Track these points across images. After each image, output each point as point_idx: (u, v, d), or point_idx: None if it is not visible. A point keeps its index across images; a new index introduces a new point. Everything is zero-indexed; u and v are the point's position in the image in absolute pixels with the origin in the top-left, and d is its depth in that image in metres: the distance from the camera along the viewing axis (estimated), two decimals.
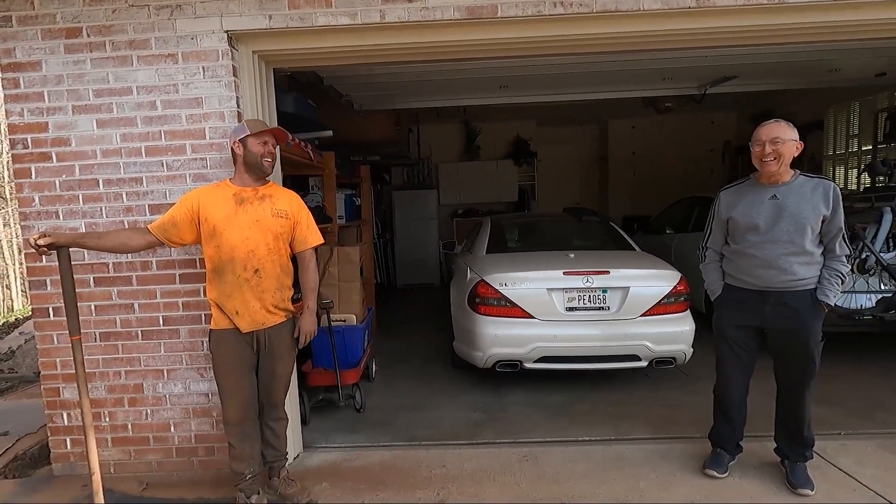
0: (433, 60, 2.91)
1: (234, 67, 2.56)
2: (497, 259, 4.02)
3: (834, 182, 2.29)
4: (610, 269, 3.52)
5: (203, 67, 2.54)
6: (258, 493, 2.38)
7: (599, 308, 3.52)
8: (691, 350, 3.57)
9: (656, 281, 3.56)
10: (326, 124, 4.58)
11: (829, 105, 7.13)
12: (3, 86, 2.61)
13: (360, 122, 5.45)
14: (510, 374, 3.65)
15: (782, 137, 2.20)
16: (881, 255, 3.60)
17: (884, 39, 2.85)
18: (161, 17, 2.53)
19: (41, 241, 1.98)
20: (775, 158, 2.22)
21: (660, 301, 3.51)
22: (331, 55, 2.72)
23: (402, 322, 6.25)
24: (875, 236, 3.57)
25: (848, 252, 2.28)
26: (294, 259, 2.43)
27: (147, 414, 2.73)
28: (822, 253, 2.31)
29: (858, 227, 3.62)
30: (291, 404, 2.86)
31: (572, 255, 3.89)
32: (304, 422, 3.19)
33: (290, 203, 2.38)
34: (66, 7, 2.52)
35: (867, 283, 3.68)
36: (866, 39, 2.76)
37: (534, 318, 3.51)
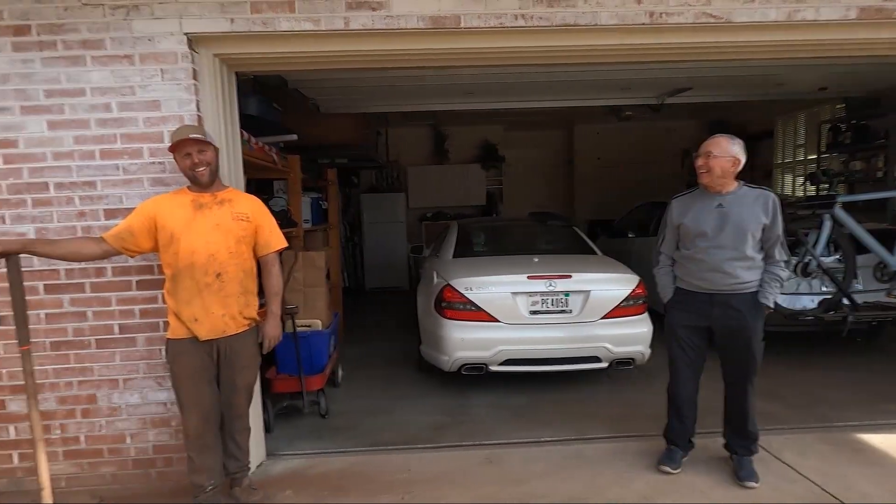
0: (398, 67, 2.94)
1: (193, 70, 2.52)
2: (463, 263, 4.07)
3: (774, 192, 2.43)
4: (572, 273, 3.62)
5: (161, 70, 2.49)
6: None
7: (562, 311, 3.62)
8: (649, 351, 3.70)
9: (616, 284, 3.68)
10: (292, 127, 4.53)
11: (778, 116, 7.51)
12: None
13: (326, 125, 5.41)
14: (476, 376, 3.70)
15: (714, 153, 2.35)
16: (822, 259, 3.83)
17: (824, 58, 3.06)
18: (116, 16, 2.47)
19: None
20: (707, 171, 2.37)
21: (619, 304, 3.64)
22: (294, 60, 2.71)
23: (370, 326, 6.23)
24: (816, 242, 3.79)
25: (786, 257, 2.44)
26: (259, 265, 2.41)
27: (101, 425, 2.64)
28: (763, 258, 2.45)
29: (801, 233, 3.84)
30: (255, 412, 2.82)
31: (536, 260, 3.99)
32: (267, 429, 3.15)
33: (251, 206, 2.36)
34: (14, 4, 2.43)
35: (810, 285, 3.91)
36: (808, 57, 2.94)
37: (499, 321, 3.58)
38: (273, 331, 2.38)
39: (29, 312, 2.47)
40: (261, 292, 2.43)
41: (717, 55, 2.79)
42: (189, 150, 2.18)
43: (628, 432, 3.15)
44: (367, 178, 9.40)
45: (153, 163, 2.52)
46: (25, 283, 2.33)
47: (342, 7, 2.50)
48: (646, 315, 3.76)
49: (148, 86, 2.50)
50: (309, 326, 3.58)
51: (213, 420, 2.30)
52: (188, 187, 2.30)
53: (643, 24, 2.55)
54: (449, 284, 3.66)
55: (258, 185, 4.44)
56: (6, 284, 2.16)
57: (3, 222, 2.52)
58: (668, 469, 2.64)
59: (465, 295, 3.59)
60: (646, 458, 2.79)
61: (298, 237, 4.13)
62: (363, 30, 2.53)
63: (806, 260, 3.81)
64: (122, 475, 2.67)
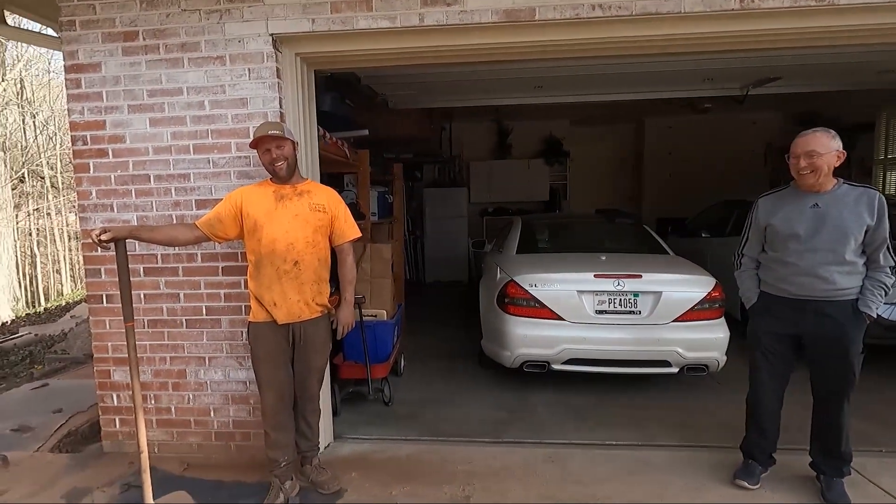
0: (471, 63, 2.95)
1: (277, 69, 2.66)
2: (527, 259, 4.03)
3: (881, 191, 2.21)
4: (642, 273, 3.49)
5: (249, 69, 2.65)
6: (291, 480, 2.48)
7: (630, 312, 3.50)
8: (725, 358, 3.50)
9: (690, 286, 3.50)
10: (361, 122, 4.68)
11: (882, 106, 6.78)
12: (66, 86, 2.79)
13: (393, 120, 5.54)
14: (537, 374, 3.66)
15: (818, 150, 2.15)
16: None
17: None
18: (211, 20, 2.65)
19: (103, 238, 2.11)
20: (812, 171, 2.18)
21: (693, 307, 3.46)
22: (370, 57, 2.79)
23: (430, 319, 6.32)
24: None
25: (893, 263, 2.21)
26: (333, 254, 2.52)
27: (189, 398, 2.88)
28: (865, 263, 2.24)
29: None
30: (324, 395, 2.95)
31: (604, 258, 3.87)
32: (334, 413, 3.29)
33: (328, 198, 2.47)
34: (124, 12, 2.67)
35: None
36: None
37: (563, 319, 3.52)
38: (346, 318, 2.49)
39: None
40: (333, 281, 2.54)
41: (815, 41, 2.56)
42: (268, 145, 2.30)
43: (700, 442, 3.00)
44: (429, 173, 9.51)
45: (239, 157, 2.69)
46: (129, 266, 2.60)
47: (417, 4, 2.54)
48: (722, 320, 3.55)
49: (237, 84, 2.67)
50: (375, 316, 3.70)
51: (288, 400, 2.44)
52: (270, 179, 2.43)
53: (732, 9, 2.39)
54: (513, 280, 3.64)
55: (330, 178, 4.62)
56: (113, 266, 2.41)
57: (112, 210, 2.79)
58: (745, 484, 2.48)
59: (530, 291, 3.55)
60: (720, 471, 2.65)
61: (366, 230, 4.26)
62: (437, 26, 2.56)
63: None
64: (206, 445, 2.90)
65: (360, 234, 2.56)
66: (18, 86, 13.95)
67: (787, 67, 4.18)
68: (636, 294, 3.48)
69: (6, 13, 3.14)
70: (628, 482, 2.59)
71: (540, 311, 3.54)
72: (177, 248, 2.73)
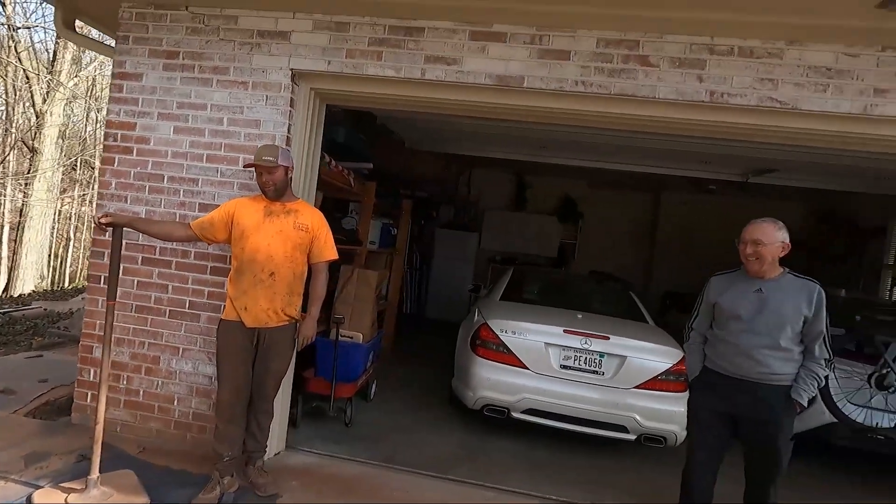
0: (466, 116, 3.22)
1: (291, 99, 2.98)
2: (507, 306, 4.16)
3: (819, 284, 2.31)
4: (610, 336, 3.57)
5: (267, 96, 2.98)
6: (231, 476, 2.60)
7: (594, 371, 3.56)
8: (685, 433, 3.48)
9: (656, 355, 3.56)
10: (381, 158, 5.00)
11: (893, 212, 6.80)
12: (110, 89, 3.17)
13: (410, 159, 5.86)
14: (502, 421, 3.70)
15: (763, 240, 2.29)
16: None
17: None
18: (242, 51, 3.01)
19: (103, 220, 2.39)
20: (757, 258, 2.31)
21: (657, 376, 3.51)
22: (377, 99, 3.09)
23: (419, 352, 6.41)
24: None
25: (828, 356, 2.27)
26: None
27: (158, 384, 3.07)
28: (802, 352, 2.31)
29: (880, 341, 3.47)
30: (283, 403, 3.10)
31: (580, 316, 3.97)
32: (294, 424, 3.41)
33: (313, 219, 2.70)
34: (171, 34, 3.06)
35: (885, 400, 3.48)
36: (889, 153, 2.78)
37: (528, 369, 3.60)
38: (307, 331, 2.66)
39: (125, 278, 3.00)
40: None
41: (783, 139, 2.74)
42: (260, 170, 2.58)
43: None
44: (446, 213, 9.80)
45: (244, 171, 2.98)
46: (130, 254, 2.87)
47: (421, 60, 2.84)
48: (686, 394, 3.56)
49: (254, 108, 3.00)
50: (351, 338, 3.86)
51: (244, 396, 2.60)
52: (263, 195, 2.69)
53: (703, 101, 2.61)
54: (486, 323, 3.77)
55: (336, 203, 4.91)
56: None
57: (125, 202, 3.09)
58: None
59: (500, 336, 3.67)
60: None
61: (360, 255, 4.50)
62: (437, 80, 2.85)
63: (884, 371, 3.42)
64: (164, 432, 3.06)
65: (336, 257, 2.77)
66: (90, 82, 15.18)
67: (781, 161, 4.33)
68: (602, 355, 3.56)
69: (77, 21, 3.60)
70: None
71: (507, 357, 3.64)
72: (174, 243, 2.99)
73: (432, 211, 9.37)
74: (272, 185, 2.57)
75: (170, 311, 3.05)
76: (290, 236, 2.60)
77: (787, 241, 2.32)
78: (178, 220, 3.00)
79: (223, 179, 3.02)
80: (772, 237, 2.30)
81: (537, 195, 9.60)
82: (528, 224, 9.40)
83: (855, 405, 3.49)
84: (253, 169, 2.64)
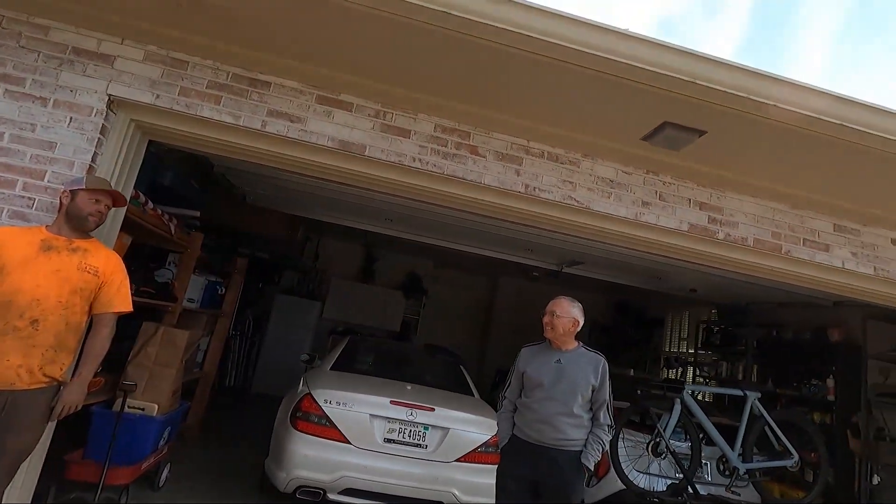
0: (308, 175, 3.19)
1: (103, 126, 2.64)
2: (335, 376, 3.96)
3: (604, 357, 2.67)
4: (435, 407, 3.59)
5: (71, 117, 2.60)
6: None
7: (417, 445, 3.50)
8: None
9: (476, 427, 3.64)
10: (215, 208, 4.63)
11: (668, 308, 8.39)
12: None
13: (250, 216, 5.52)
14: None
15: (557, 312, 2.62)
16: (676, 442, 4.02)
17: (682, 261, 3.56)
18: (49, 64, 2.63)
19: None
20: (551, 328, 2.62)
21: (476, 448, 3.57)
22: (209, 143, 2.90)
23: (234, 432, 5.66)
24: (667, 423, 4.01)
25: (610, 422, 2.58)
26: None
27: None
28: (591, 419, 2.58)
29: (654, 412, 4.08)
30: (22, 496, 2.41)
31: (409, 388, 3.94)
32: None
33: (108, 262, 2.32)
34: None
35: (660, 466, 4.03)
36: (655, 253, 3.45)
37: (349, 443, 3.39)
38: (70, 396, 2.17)
39: None
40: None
41: (580, 232, 3.25)
42: (101, 197, 2.28)
43: None
44: (289, 278, 9.31)
45: (22, 196, 2.49)
46: None
47: (264, 112, 2.80)
48: None
49: (52, 128, 2.58)
50: (142, 410, 3.25)
51: None
52: (47, 227, 2.26)
53: (519, 192, 2.99)
54: (310, 394, 3.52)
55: (154, 252, 4.34)
56: None
57: None
58: None
59: (323, 408, 3.43)
60: None
61: (173, 314, 3.95)
62: (277, 135, 2.81)
63: (657, 440, 3.98)
64: None
65: (129, 309, 2.38)
66: None
67: (587, 255, 5.10)
68: (426, 427, 3.53)
69: None
70: None
71: (328, 430, 3.40)
72: None
73: (274, 275, 8.84)
74: (100, 216, 2.29)
75: None
76: (71, 278, 2.18)
77: (579, 318, 2.66)
78: None
79: None
80: (566, 311, 2.62)
81: (385, 269, 9.74)
82: (373, 296, 9.37)
83: (638, 472, 3.96)
84: (68, 192, 2.25)
